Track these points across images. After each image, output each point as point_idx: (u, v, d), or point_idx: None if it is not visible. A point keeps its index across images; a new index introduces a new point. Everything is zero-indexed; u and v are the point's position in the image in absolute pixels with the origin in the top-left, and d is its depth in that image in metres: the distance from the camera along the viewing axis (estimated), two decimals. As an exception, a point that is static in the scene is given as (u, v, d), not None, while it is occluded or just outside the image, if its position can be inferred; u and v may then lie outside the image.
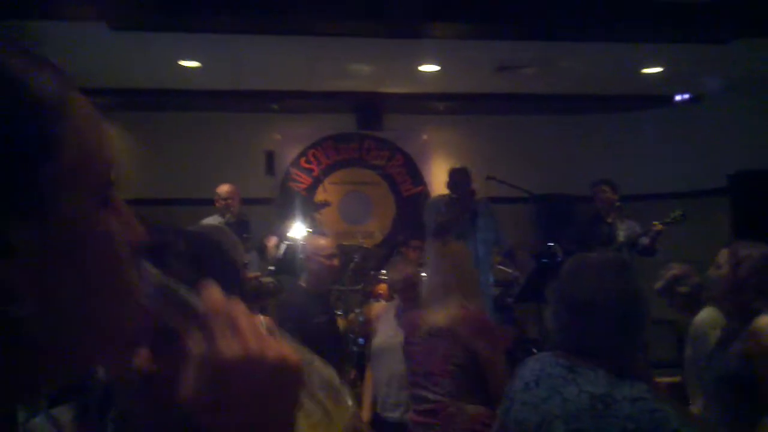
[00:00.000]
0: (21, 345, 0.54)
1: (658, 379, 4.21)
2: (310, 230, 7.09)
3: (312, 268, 4.35)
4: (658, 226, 6.60)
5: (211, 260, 1.18)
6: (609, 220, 6.99)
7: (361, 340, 5.82)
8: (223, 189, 7.09)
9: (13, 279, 0.52)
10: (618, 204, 7.08)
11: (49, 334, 0.55)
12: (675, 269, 4.35)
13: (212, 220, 6.98)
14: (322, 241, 4.55)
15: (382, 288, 6.70)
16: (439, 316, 3.56)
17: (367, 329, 6.13)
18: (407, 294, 4.41)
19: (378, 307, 6.35)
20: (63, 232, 0.55)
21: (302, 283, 4.45)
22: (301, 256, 4.52)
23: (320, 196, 8.90)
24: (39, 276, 0.53)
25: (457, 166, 6.97)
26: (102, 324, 0.60)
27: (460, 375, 3.46)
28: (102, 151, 0.60)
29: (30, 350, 0.54)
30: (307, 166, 9.14)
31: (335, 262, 4.42)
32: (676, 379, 4.31)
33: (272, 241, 6.85)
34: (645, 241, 6.66)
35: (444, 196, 7.03)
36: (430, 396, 3.51)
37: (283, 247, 6.70)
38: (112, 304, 0.60)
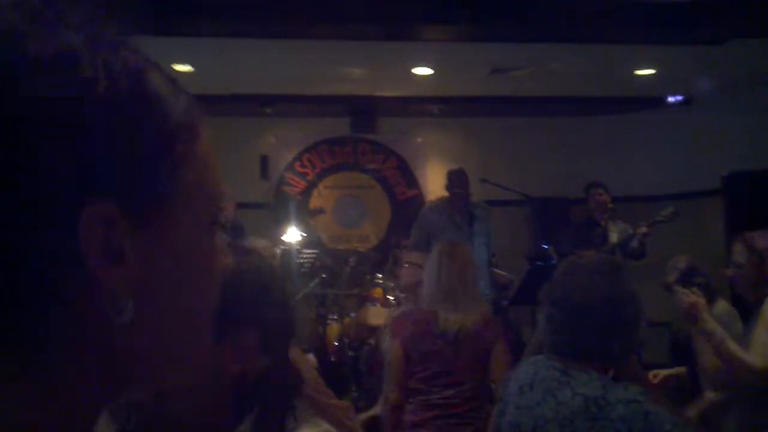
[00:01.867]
0: (111, 350, 0.56)
1: (658, 372, 4.18)
2: (305, 234, 7.10)
3: None
4: (644, 228, 6.60)
5: None
6: (602, 222, 7.00)
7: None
8: None
9: (121, 287, 0.54)
10: (610, 206, 7.09)
11: (137, 342, 0.57)
12: (684, 261, 4.32)
13: None
14: (263, 243, 4.54)
15: (378, 292, 6.70)
16: (466, 319, 3.57)
17: (362, 334, 6.13)
18: (402, 278, 4.41)
19: (376, 309, 6.35)
20: (173, 244, 0.59)
21: None
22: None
23: (315, 200, 8.91)
24: (140, 284, 0.56)
25: (454, 168, 6.97)
26: (185, 340, 0.62)
27: (479, 378, 3.55)
28: (216, 178, 0.65)
29: (119, 357, 0.57)
30: (301, 170, 9.14)
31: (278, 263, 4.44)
32: (678, 371, 4.27)
33: (260, 244, 6.84)
34: (634, 244, 6.66)
35: (437, 202, 7.02)
36: (450, 394, 3.53)
37: (277, 251, 6.70)
38: (198, 322, 0.63)
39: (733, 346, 3.18)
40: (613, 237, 6.84)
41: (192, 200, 0.60)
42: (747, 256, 3.31)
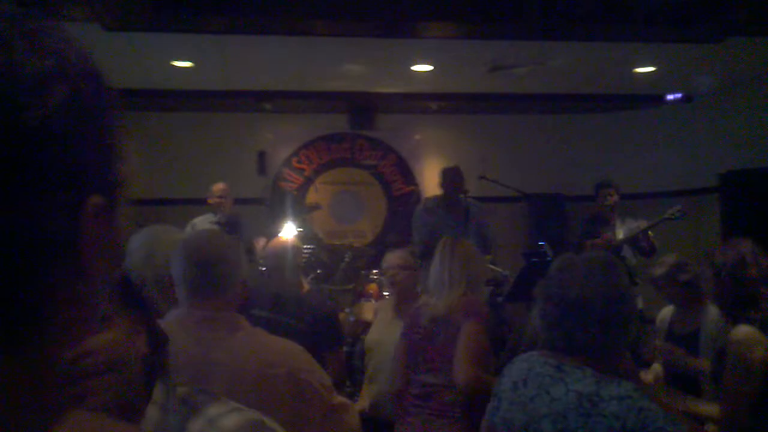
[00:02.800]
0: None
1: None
2: (301, 230, 7.10)
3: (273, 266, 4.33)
4: (644, 224, 6.67)
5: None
6: (612, 221, 7.04)
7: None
8: (218, 187, 7.14)
9: (100, 268, 0.60)
10: (610, 203, 7.12)
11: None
12: (673, 257, 4.32)
13: (204, 218, 7.02)
14: (284, 240, 4.57)
15: (373, 287, 6.71)
16: (439, 305, 3.68)
17: (357, 329, 6.13)
18: (400, 284, 4.42)
19: (371, 305, 6.36)
20: (117, 224, 0.63)
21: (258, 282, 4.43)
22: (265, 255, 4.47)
23: (311, 196, 8.92)
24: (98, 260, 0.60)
25: (450, 165, 6.97)
26: (98, 301, 0.66)
27: None
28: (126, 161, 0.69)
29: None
30: (298, 166, 9.15)
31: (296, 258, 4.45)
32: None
33: (261, 242, 6.85)
34: (643, 243, 6.71)
35: (432, 201, 7.03)
36: (430, 381, 3.61)
37: (291, 243, 6.70)
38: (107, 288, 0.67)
39: (707, 409, 3.22)
40: (619, 234, 6.89)
41: (124, 189, 0.65)
42: (710, 271, 3.27)
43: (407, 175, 9.33)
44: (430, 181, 8.80)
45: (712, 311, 4.00)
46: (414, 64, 7.40)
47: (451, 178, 6.77)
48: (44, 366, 0.58)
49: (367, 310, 6.35)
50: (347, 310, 6.75)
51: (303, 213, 8.05)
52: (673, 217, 6.58)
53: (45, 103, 0.53)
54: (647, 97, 8.86)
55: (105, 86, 0.61)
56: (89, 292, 0.60)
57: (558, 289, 2.14)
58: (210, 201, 7.13)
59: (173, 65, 7.18)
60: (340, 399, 2.44)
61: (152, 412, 1.26)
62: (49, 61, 0.55)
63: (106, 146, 0.60)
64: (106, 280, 0.64)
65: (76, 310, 0.59)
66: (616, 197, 7.06)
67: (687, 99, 8.78)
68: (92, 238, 0.58)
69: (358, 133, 9.25)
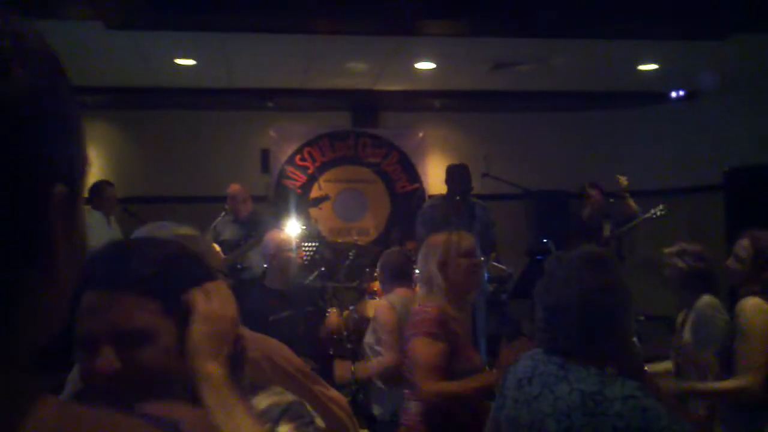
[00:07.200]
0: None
1: (651, 366, 4.17)
2: (305, 227, 7.11)
3: (276, 265, 4.26)
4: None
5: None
6: (600, 218, 7.10)
7: None
8: (233, 188, 7.18)
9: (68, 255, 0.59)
10: (611, 200, 7.17)
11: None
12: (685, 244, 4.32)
13: (223, 220, 7.08)
14: (284, 236, 4.53)
15: (377, 285, 6.70)
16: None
17: (361, 326, 6.13)
18: (397, 277, 4.34)
19: (375, 302, 6.36)
20: (78, 220, 0.62)
21: (263, 281, 4.41)
22: (264, 253, 4.41)
23: (315, 194, 8.93)
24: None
25: (456, 163, 6.95)
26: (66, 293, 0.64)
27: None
28: None
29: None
30: (302, 163, 9.16)
31: (296, 255, 4.43)
32: (665, 366, 4.27)
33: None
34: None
35: (438, 198, 7.03)
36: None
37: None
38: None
39: (718, 385, 3.28)
40: (607, 229, 6.97)
41: (86, 174, 0.64)
42: (751, 253, 3.32)
43: (411, 172, 9.33)
44: (433, 179, 8.80)
45: (703, 301, 4.00)
46: (417, 62, 7.40)
47: (457, 176, 6.74)
48: (14, 353, 0.56)
49: (371, 307, 6.35)
50: (351, 308, 6.76)
51: (312, 205, 8.07)
52: (653, 216, 6.66)
53: (4, 82, 0.52)
54: (651, 95, 8.85)
55: (62, 71, 0.59)
56: (58, 283, 0.58)
57: (543, 290, 2.14)
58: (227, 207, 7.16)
59: (176, 63, 7.18)
60: (333, 393, 2.45)
61: None
62: (5, 42, 0.53)
63: (68, 133, 0.58)
64: (72, 272, 0.62)
65: (46, 300, 0.58)
66: (594, 198, 7.17)
67: (690, 96, 8.77)
68: (59, 228, 0.57)
69: (361, 130, 9.25)
